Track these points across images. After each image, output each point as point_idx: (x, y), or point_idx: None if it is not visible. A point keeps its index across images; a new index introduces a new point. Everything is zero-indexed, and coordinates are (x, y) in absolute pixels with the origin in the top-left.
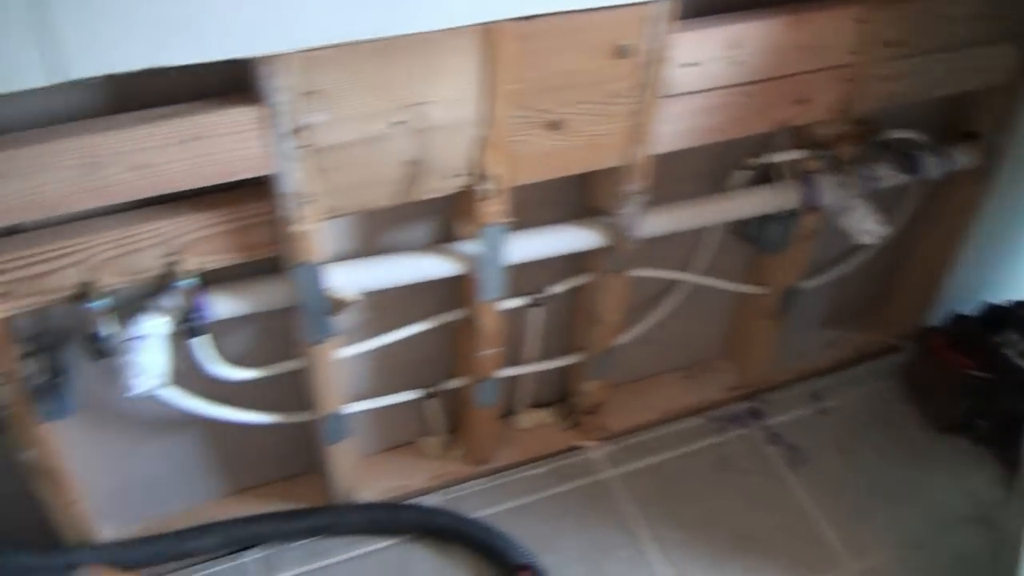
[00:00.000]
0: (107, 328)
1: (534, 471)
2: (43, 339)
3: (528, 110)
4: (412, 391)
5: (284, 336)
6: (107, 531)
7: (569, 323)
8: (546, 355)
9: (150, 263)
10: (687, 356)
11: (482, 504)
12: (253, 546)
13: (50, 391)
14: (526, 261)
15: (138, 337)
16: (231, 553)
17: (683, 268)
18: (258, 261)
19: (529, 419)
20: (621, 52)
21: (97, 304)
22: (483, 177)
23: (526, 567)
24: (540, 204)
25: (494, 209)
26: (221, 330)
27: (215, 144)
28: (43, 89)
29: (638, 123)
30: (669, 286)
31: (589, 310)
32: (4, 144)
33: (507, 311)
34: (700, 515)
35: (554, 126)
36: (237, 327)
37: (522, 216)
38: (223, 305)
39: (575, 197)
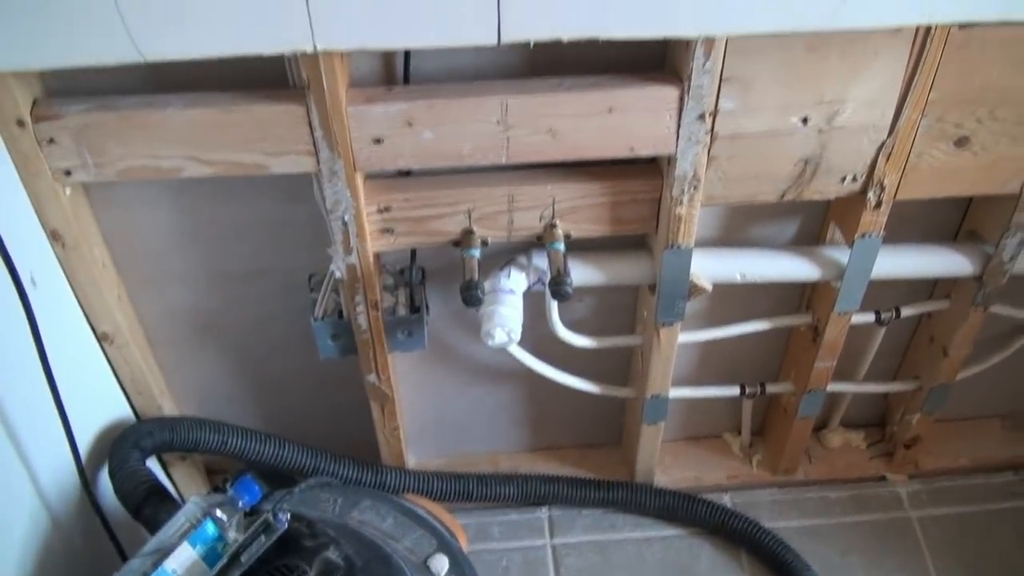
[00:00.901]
0: (478, 277)
1: (833, 493)
2: (407, 276)
3: (938, 121)
4: (730, 386)
5: (614, 310)
6: (411, 460)
7: (905, 347)
8: (873, 376)
9: (529, 222)
10: (1009, 403)
11: (773, 515)
12: (545, 504)
13: (406, 325)
14: (886, 278)
15: (506, 291)
16: (524, 505)
17: None
18: (612, 236)
19: (837, 438)
20: None
21: (474, 253)
22: (873, 185)
23: None
24: (911, 219)
25: (875, 219)
26: None
27: (626, 119)
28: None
29: None
30: (1020, 328)
31: (937, 339)
32: (435, 93)
33: (851, 325)
34: None
35: (961, 142)
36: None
37: (890, 230)
38: (578, 273)
39: (950, 218)
